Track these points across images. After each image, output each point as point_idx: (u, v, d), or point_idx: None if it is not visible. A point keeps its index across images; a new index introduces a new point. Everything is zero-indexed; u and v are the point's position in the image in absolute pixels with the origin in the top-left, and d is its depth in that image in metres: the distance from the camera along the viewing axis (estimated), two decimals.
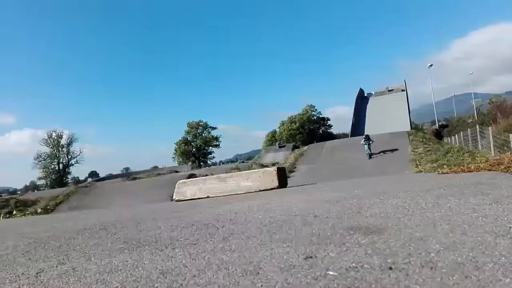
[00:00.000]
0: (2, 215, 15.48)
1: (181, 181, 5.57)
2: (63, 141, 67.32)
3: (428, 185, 3.05)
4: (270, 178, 5.05)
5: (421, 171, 6.41)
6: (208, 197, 5.10)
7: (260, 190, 4.99)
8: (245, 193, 4.99)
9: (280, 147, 39.57)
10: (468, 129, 17.62)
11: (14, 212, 15.83)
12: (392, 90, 45.81)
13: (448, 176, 3.99)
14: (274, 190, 4.85)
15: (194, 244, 1.75)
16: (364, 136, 16.65)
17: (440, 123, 46.60)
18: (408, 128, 27.95)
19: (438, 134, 32.56)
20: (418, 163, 12.29)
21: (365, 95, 46.78)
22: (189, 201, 5.03)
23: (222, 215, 2.68)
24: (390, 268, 1.09)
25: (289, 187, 5.33)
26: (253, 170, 5.40)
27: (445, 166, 4.49)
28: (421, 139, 17.71)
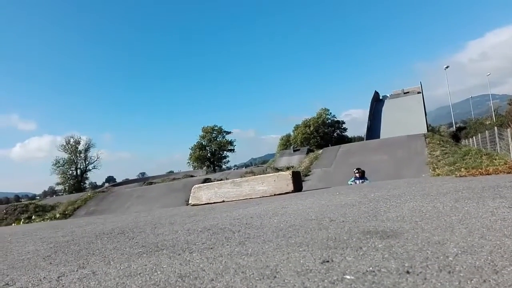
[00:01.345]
0: (22, 220, 15.80)
1: (196, 185, 5.60)
2: (81, 147, 68.41)
3: (446, 188, 3.02)
4: (285, 182, 5.05)
5: (438, 174, 6.33)
6: (223, 201, 5.11)
7: (275, 194, 4.99)
8: (260, 197, 4.99)
9: (294, 151, 39.52)
10: (486, 131, 17.35)
11: (33, 217, 16.14)
12: (408, 92, 45.32)
13: (466, 179, 3.93)
14: (289, 194, 4.84)
15: (211, 248, 1.77)
16: (356, 170, 9.72)
17: (457, 125, 45.91)
18: (425, 131, 27.60)
19: (455, 137, 32.09)
20: (435, 166, 12.13)
21: (381, 97, 46.39)
22: (205, 205, 5.06)
23: (237, 220, 2.70)
24: (408, 272, 1.09)
25: (304, 191, 5.32)
26: (268, 174, 5.40)
27: (462, 169, 4.43)
28: (438, 142, 17.46)
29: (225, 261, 1.45)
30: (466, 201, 2.28)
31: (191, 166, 66.15)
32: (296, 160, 29.80)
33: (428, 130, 30.48)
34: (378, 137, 31.70)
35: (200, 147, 66.66)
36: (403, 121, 33.61)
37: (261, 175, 5.49)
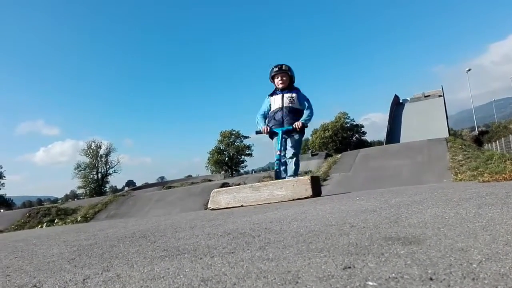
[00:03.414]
0: (44, 223, 16.15)
1: (215, 190, 5.63)
2: (101, 151, 69.95)
3: (468, 194, 2.96)
4: (304, 187, 5.03)
5: (460, 180, 6.21)
6: (242, 206, 5.13)
7: (294, 199, 4.98)
8: (279, 202, 4.99)
9: (312, 155, 39.42)
10: (510, 135, 16.94)
11: (56, 220, 16.47)
12: (429, 95, 44.69)
13: (489, 184, 3.85)
14: (308, 199, 4.83)
15: (232, 252, 1.79)
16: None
17: (479, 129, 44.98)
18: (446, 135, 27.14)
19: (478, 141, 31.45)
20: (457, 171, 11.90)
21: (401, 101, 45.86)
22: (224, 209, 5.09)
23: (257, 224, 2.71)
24: (431, 279, 1.08)
25: (323, 196, 5.29)
26: (286, 179, 5.40)
27: (485, 174, 4.35)
28: (460, 146, 17.12)
29: (246, 266, 1.47)
30: (490, 207, 2.24)
31: (209, 171, 66.57)
32: (314, 164, 29.64)
33: (449, 134, 29.94)
34: (398, 141, 31.33)
35: (218, 151, 67.14)
36: (424, 125, 33.12)
37: (279, 180, 5.49)
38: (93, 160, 69.06)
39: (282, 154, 5.96)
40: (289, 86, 6.18)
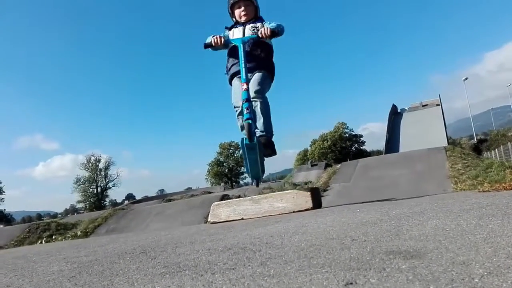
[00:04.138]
0: (44, 238, 16.06)
1: (215, 203, 5.62)
2: (101, 165, 69.95)
3: (469, 205, 2.96)
4: (304, 199, 5.03)
5: (461, 189, 6.20)
6: (242, 219, 5.12)
7: (294, 211, 4.97)
8: (279, 214, 4.98)
9: (312, 165, 39.43)
10: (509, 143, 16.98)
11: (55, 236, 16.38)
12: (427, 105, 44.89)
13: (489, 194, 3.85)
14: (308, 211, 4.82)
15: (233, 269, 1.78)
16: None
17: (478, 138, 45.09)
18: (445, 144, 27.17)
19: (477, 149, 31.53)
20: (457, 180, 11.89)
21: (399, 110, 46.05)
22: (224, 223, 5.07)
23: (258, 238, 2.70)
24: None
25: (323, 207, 5.29)
26: (287, 191, 5.39)
27: (485, 183, 4.35)
28: (459, 155, 17.13)
29: (247, 283, 1.46)
30: (490, 218, 2.24)
31: (209, 183, 66.50)
32: (314, 175, 29.61)
33: (448, 143, 29.99)
34: (397, 150, 31.37)
35: (218, 163, 67.15)
36: (423, 134, 33.22)
37: (279, 192, 5.48)
38: (93, 174, 69.00)
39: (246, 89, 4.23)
40: (254, 18, 4.85)
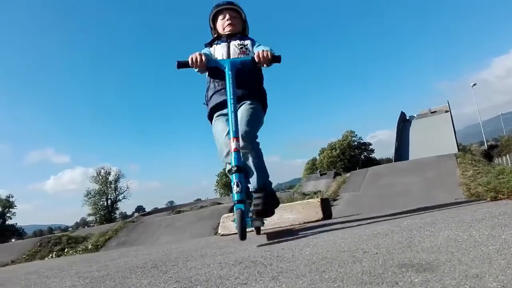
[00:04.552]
0: (55, 252, 16.14)
1: (225, 215, 5.63)
2: (111, 178, 70.32)
3: (481, 214, 2.94)
4: (314, 209, 5.02)
5: (472, 195, 6.13)
6: (252, 230, 5.11)
7: (304, 222, 4.96)
8: (289, 225, 4.97)
9: (321, 174, 39.26)
10: None
11: (66, 249, 16.45)
12: (435, 111, 44.62)
13: (502, 202, 3.81)
14: (318, 222, 4.80)
15: (245, 283, 1.78)
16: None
17: (488, 144, 44.64)
18: (455, 150, 26.91)
19: (488, 155, 31.19)
20: (469, 187, 11.75)
21: (407, 118, 45.80)
22: (234, 235, 5.07)
23: (268, 251, 2.70)
24: None
25: (333, 218, 5.27)
26: (296, 202, 5.38)
27: (497, 191, 4.31)
28: (470, 161, 16.95)
29: None
30: (503, 228, 2.22)
31: (218, 193, 66.50)
32: (323, 184, 29.47)
33: (458, 150, 29.71)
34: (407, 158, 31.17)
35: (226, 174, 67.23)
36: (432, 141, 32.96)
37: (289, 203, 5.48)
38: (103, 187, 69.41)
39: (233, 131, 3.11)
40: (241, 33, 3.87)
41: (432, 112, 45.74)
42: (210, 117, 3.79)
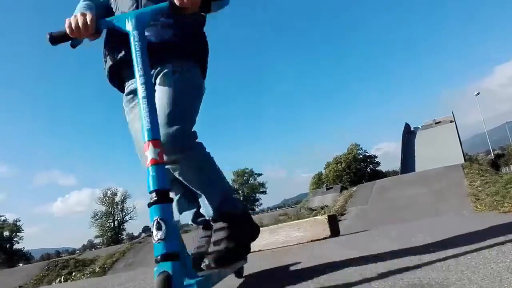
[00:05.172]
0: (63, 276, 16.06)
1: None
2: (117, 198, 70.27)
3: (490, 228, 2.92)
4: (321, 227, 5.00)
5: (481, 210, 6.08)
6: (260, 250, 5.09)
7: (312, 240, 4.93)
8: (296, 244, 4.95)
9: (327, 189, 39.08)
10: None
11: (74, 273, 16.37)
12: (440, 122, 44.52)
13: (510, 215, 3.79)
14: (326, 239, 4.78)
15: None
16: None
17: (495, 153, 44.41)
18: (462, 161, 26.75)
19: (495, 165, 31.02)
20: (477, 198, 11.64)
21: (412, 129, 45.69)
22: None
23: (278, 272, 2.69)
24: None
25: (341, 235, 5.23)
26: (303, 220, 5.36)
27: (506, 203, 4.27)
28: (477, 171, 16.80)
29: None
30: None
31: None
32: (330, 198, 29.27)
33: (465, 160, 29.56)
34: (413, 170, 30.97)
35: (233, 191, 67.23)
36: (438, 152, 32.82)
37: (296, 221, 5.46)
38: (109, 208, 69.38)
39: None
40: None
41: (436, 123, 45.62)
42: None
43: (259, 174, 69.48)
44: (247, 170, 68.73)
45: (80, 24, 1.85)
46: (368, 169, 63.44)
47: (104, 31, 2.14)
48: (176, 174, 2.12)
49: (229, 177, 68.93)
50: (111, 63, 2.23)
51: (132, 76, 1.94)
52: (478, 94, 50.83)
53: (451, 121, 42.02)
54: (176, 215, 2.54)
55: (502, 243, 2.27)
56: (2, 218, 66.53)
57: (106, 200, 69.81)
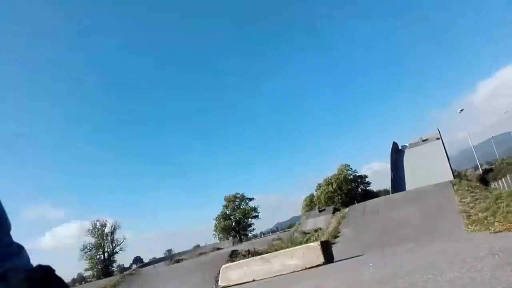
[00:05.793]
0: None
1: (225, 266, 5.54)
2: (107, 230, 68.88)
3: (482, 251, 2.91)
4: (315, 254, 4.96)
5: (473, 230, 6.09)
6: (253, 280, 5.01)
7: (306, 268, 4.88)
8: (291, 272, 4.89)
9: (320, 211, 38.91)
10: None
11: None
12: (427, 139, 45.01)
13: (501, 235, 3.80)
14: (320, 266, 4.73)
15: None
16: None
17: (483, 168, 44.91)
18: (451, 177, 26.95)
19: (483, 180, 31.25)
20: (468, 215, 11.67)
21: (400, 147, 46.09)
22: (235, 286, 4.97)
23: None
24: None
25: (335, 261, 5.19)
26: (297, 247, 5.32)
27: (496, 223, 4.28)
28: (467, 188, 16.95)
29: None
30: (505, 267, 2.20)
31: (217, 238, 65.44)
32: (323, 221, 29.04)
33: (454, 176, 29.78)
34: (404, 188, 31.07)
35: (224, 216, 66.33)
36: (427, 169, 33.06)
37: (289, 249, 5.42)
38: (99, 240, 67.89)
39: None
40: None
41: (423, 140, 45.98)
42: None
43: (251, 199, 68.81)
44: (238, 195, 68.12)
45: None
46: (359, 189, 63.35)
47: None
48: None
49: (220, 202, 68.28)
50: None
51: None
52: (462, 110, 51.70)
53: (437, 138, 42.40)
54: None
55: (494, 267, 2.27)
56: None
57: (95, 231, 68.39)
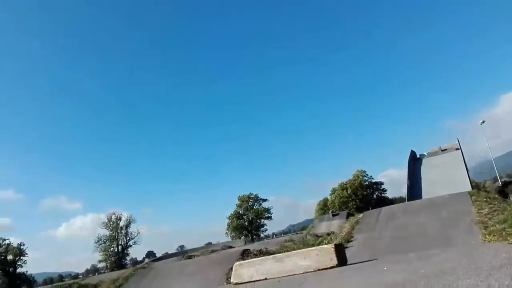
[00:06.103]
0: None
1: (237, 263, 5.57)
2: (122, 223, 69.88)
3: (499, 260, 2.87)
4: (328, 256, 4.95)
5: (489, 241, 5.99)
6: (265, 278, 5.03)
7: (318, 269, 4.87)
8: (303, 273, 4.89)
9: (333, 215, 38.68)
10: None
11: None
12: (446, 149, 44.19)
13: None
14: (333, 268, 4.72)
15: None
16: None
17: (503, 180, 43.94)
18: (469, 188, 26.40)
19: (502, 192, 30.57)
20: (485, 226, 11.46)
21: (418, 156, 45.44)
22: (247, 283, 4.99)
23: None
24: None
25: (349, 264, 5.17)
26: (310, 248, 5.32)
27: None
28: (485, 199, 16.62)
29: None
30: None
31: (229, 237, 65.65)
32: (336, 225, 28.89)
33: (472, 187, 29.19)
34: (420, 197, 30.61)
35: (238, 216, 66.52)
36: (445, 179, 32.46)
37: (303, 250, 5.42)
38: (113, 233, 68.81)
39: None
40: None
41: (442, 150, 45.23)
42: None
43: (265, 200, 68.81)
44: (252, 196, 68.17)
45: None
46: (375, 196, 62.70)
47: None
48: None
49: (234, 201, 68.41)
50: None
51: None
52: (483, 122, 50.77)
53: (457, 149, 41.66)
54: None
55: None
56: (7, 242, 66.05)
57: (110, 224, 69.35)
